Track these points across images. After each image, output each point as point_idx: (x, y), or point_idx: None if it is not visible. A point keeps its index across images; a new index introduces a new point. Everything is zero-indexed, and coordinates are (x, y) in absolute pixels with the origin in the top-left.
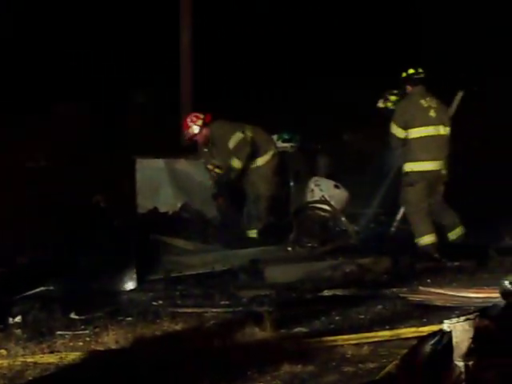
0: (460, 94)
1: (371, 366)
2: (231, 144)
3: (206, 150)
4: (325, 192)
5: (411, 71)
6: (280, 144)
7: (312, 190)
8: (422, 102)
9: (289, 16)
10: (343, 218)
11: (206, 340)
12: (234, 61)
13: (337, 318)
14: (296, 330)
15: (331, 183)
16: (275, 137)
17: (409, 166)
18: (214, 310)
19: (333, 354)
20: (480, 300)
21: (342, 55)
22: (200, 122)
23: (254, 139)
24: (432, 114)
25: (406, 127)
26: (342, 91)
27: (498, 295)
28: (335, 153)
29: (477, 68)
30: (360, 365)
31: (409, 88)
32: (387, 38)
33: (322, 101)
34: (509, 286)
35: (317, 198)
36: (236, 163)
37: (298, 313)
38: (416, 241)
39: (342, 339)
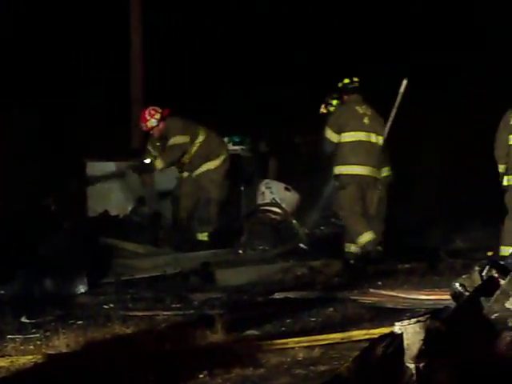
0: (405, 83)
1: (322, 368)
2: (170, 142)
3: (158, 143)
4: (275, 195)
5: (346, 81)
6: (231, 147)
7: (263, 193)
8: (358, 108)
9: (240, 15)
10: (294, 221)
11: (157, 343)
12: (186, 62)
13: (288, 320)
14: (247, 332)
15: (282, 186)
16: (226, 139)
17: (338, 169)
18: (166, 313)
19: (284, 356)
20: (431, 302)
21: (295, 59)
22: (158, 116)
23: (207, 142)
24: (366, 121)
25: (339, 131)
26: (292, 94)
27: (448, 297)
28: (286, 156)
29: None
30: (311, 367)
31: (345, 97)
32: (337, 41)
33: (272, 103)
34: (459, 288)
35: (268, 201)
36: (158, 163)
37: (250, 316)
38: (357, 241)
39: (293, 342)
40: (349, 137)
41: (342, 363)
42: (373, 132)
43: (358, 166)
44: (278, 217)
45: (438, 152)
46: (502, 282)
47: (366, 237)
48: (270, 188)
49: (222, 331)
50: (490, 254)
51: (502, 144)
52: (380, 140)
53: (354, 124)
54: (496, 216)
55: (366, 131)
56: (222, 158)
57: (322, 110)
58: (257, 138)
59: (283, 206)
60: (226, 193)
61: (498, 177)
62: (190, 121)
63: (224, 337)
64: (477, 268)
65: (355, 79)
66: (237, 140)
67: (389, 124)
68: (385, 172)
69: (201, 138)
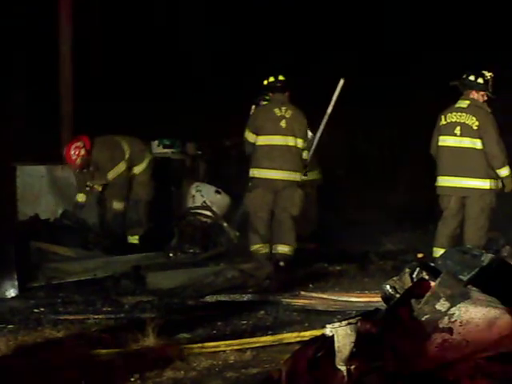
0: (341, 83)
1: (254, 371)
2: (110, 176)
3: (85, 170)
4: (206, 198)
5: (271, 79)
6: (161, 150)
7: (193, 196)
8: (276, 110)
9: (164, 18)
10: (225, 224)
11: (89, 347)
12: (115, 66)
13: (219, 323)
14: (178, 336)
15: (212, 189)
16: (156, 142)
17: (252, 172)
18: (96, 316)
19: (215, 359)
20: (362, 304)
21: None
22: (83, 151)
23: (132, 153)
24: (283, 124)
25: (256, 133)
26: (225, 95)
27: (379, 299)
28: (216, 158)
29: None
30: (243, 370)
31: (271, 95)
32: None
33: (203, 106)
34: (390, 290)
35: (198, 204)
36: (116, 205)
37: (181, 319)
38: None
39: (224, 345)
40: (264, 140)
41: (274, 366)
42: (290, 135)
43: (270, 170)
44: (208, 220)
45: (368, 153)
46: (433, 283)
47: (259, 250)
48: (200, 191)
49: (153, 334)
50: (420, 255)
51: (433, 145)
52: (299, 143)
53: (269, 127)
54: (426, 217)
55: (282, 134)
56: (146, 161)
57: (253, 111)
58: (187, 140)
59: (214, 208)
60: (154, 193)
61: (430, 177)
62: (111, 141)
63: (155, 340)
64: (407, 270)
65: (280, 77)
66: (167, 143)
67: (323, 124)
68: (314, 175)
69: (127, 154)
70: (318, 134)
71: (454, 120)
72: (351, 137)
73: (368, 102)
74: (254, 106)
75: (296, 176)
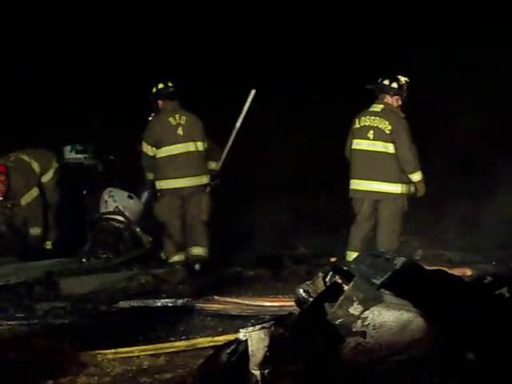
0: (252, 93)
1: (168, 376)
2: (23, 201)
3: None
4: (119, 203)
5: (161, 86)
6: (73, 155)
7: (106, 201)
8: (171, 119)
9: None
10: (138, 229)
11: (2, 353)
12: (24, 70)
13: (133, 329)
14: (92, 341)
15: (125, 194)
16: (68, 148)
17: (159, 184)
18: (9, 322)
19: (129, 365)
20: (275, 308)
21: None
22: (3, 178)
23: (40, 168)
24: (180, 131)
25: (155, 146)
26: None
27: (292, 304)
28: (129, 164)
29: None
30: (156, 375)
31: (160, 103)
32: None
33: (114, 112)
34: (303, 294)
35: (111, 209)
36: (33, 231)
37: (94, 324)
38: (166, 256)
39: (138, 350)
40: (165, 151)
41: (187, 371)
42: (190, 141)
43: (176, 180)
44: (121, 225)
45: (283, 156)
46: (346, 287)
47: (176, 258)
48: (113, 196)
49: (66, 340)
50: (333, 259)
51: (347, 148)
52: (199, 146)
53: (167, 138)
54: (338, 221)
55: (181, 142)
56: (52, 170)
57: (151, 118)
58: (100, 145)
59: (126, 213)
60: (64, 199)
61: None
62: (23, 165)
63: (69, 346)
64: (320, 274)
65: (170, 84)
66: (79, 148)
67: (234, 134)
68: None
69: (38, 175)
70: (229, 144)
71: (367, 124)
72: (263, 142)
73: (280, 106)
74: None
75: (202, 179)
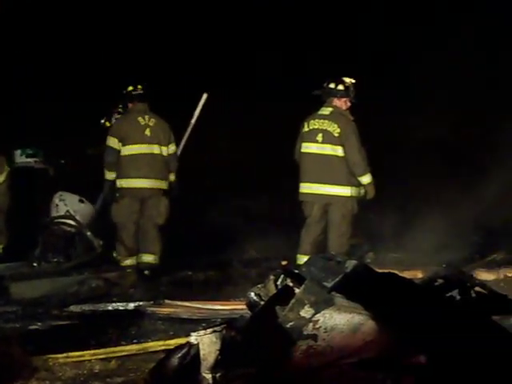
0: (204, 97)
1: (119, 380)
2: None
3: None
4: (70, 207)
5: (130, 88)
6: (24, 159)
7: (57, 205)
8: (140, 119)
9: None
10: (89, 233)
11: None
12: None
13: (84, 333)
14: (43, 345)
15: (76, 198)
16: (19, 152)
17: (119, 182)
18: None
19: (80, 369)
20: (226, 312)
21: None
22: None
23: None
24: (147, 132)
25: (121, 142)
26: (86, 105)
27: (244, 307)
28: (79, 167)
29: None
30: (108, 379)
31: (130, 105)
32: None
33: (66, 116)
34: (254, 297)
35: (62, 213)
36: None
37: (45, 329)
38: (118, 260)
39: (89, 354)
40: (130, 150)
41: (139, 375)
42: (155, 143)
43: (137, 180)
44: (72, 229)
45: (232, 161)
46: (297, 290)
47: (127, 262)
48: (63, 200)
49: (17, 345)
50: (284, 263)
51: (297, 151)
52: (164, 151)
53: (135, 136)
54: (289, 224)
55: (147, 143)
56: (4, 174)
57: (105, 122)
58: (50, 149)
59: (77, 217)
60: (16, 203)
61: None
62: None
63: (20, 350)
64: (271, 277)
65: (139, 86)
66: (30, 152)
67: (186, 137)
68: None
69: None
70: (181, 147)
71: (316, 127)
72: (216, 146)
73: (233, 111)
74: (104, 118)
75: (162, 184)
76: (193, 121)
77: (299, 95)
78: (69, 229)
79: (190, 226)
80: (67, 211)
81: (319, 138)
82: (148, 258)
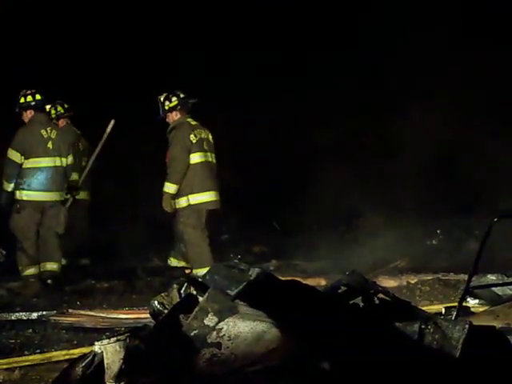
0: (112, 123)
1: None
2: None
3: None
4: None
5: (29, 98)
6: None
7: None
8: (43, 132)
9: None
10: None
11: None
12: None
13: None
14: None
15: None
16: None
17: (20, 195)
18: None
19: None
20: (130, 321)
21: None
22: None
23: None
24: (50, 145)
25: (23, 155)
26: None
27: (147, 316)
28: None
29: None
30: None
31: (29, 114)
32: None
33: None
34: (158, 306)
35: None
36: None
37: None
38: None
39: None
40: (32, 163)
41: None
42: (57, 156)
43: (39, 193)
44: None
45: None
46: (201, 299)
47: (29, 271)
48: None
49: None
50: (187, 271)
51: (185, 162)
52: (64, 162)
53: (37, 150)
54: None
55: (50, 156)
56: None
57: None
58: None
59: None
60: None
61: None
62: None
63: None
64: (175, 286)
65: (40, 97)
66: None
67: (96, 153)
68: (85, 195)
69: None
70: (92, 160)
71: (202, 136)
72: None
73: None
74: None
75: (62, 195)
76: (100, 145)
77: None
78: None
79: (94, 234)
80: None
81: (206, 146)
82: (52, 266)
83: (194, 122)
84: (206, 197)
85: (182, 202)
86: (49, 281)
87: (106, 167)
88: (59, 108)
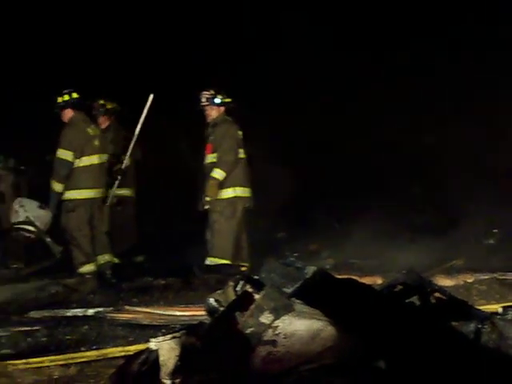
0: (151, 98)
1: None
2: None
3: None
4: (29, 213)
5: (66, 97)
6: None
7: (16, 211)
8: (89, 130)
9: None
10: (48, 239)
11: None
12: None
13: (44, 339)
14: (2, 352)
15: (35, 204)
16: None
17: (72, 194)
18: None
19: (40, 375)
20: (186, 318)
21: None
22: None
23: None
24: (96, 142)
25: (74, 154)
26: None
27: (203, 313)
28: (40, 174)
29: None
30: None
31: (70, 113)
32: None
33: (25, 119)
34: (214, 303)
35: (21, 219)
36: None
37: (5, 335)
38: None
39: (49, 360)
40: (84, 161)
41: (99, 381)
42: (103, 153)
43: (90, 190)
44: (32, 235)
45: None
46: (257, 296)
47: (86, 268)
48: (23, 206)
49: None
50: (243, 269)
51: (233, 156)
52: (106, 158)
53: (87, 148)
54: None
55: (98, 153)
56: None
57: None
58: (9, 155)
59: (37, 224)
60: None
61: None
62: None
63: None
64: (231, 283)
65: (77, 95)
66: None
67: (134, 140)
68: (130, 191)
69: None
70: (135, 136)
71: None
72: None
73: None
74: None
75: (104, 192)
76: (141, 121)
77: None
78: (28, 235)
79: (150, 232)
80: (27, 217)
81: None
82: (109, 258)
83: (233, 121)
84: (246, 192)
85: (227, 193)
86: (107, 272)
87: (158, 164)
88: (108, 105)
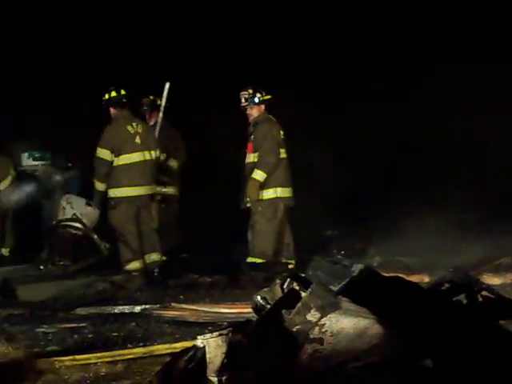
0: (167, 86)
1: (125, 383)
2: None
3: None
4: (76, 210)
5: (114, 94)
6: (31, 162)
7: (64, 208)
8: (129, 127)
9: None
10: (95, 236)
11: None
12: None
13: (90, 335)
14: (49, 348)
15: (83, 201)
16: (26, 155)
17: (113, 192)
18: None
19: (87, 372)
20: (233, 315)
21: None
22: None
23: None
24: (138, 140)
25: (113, 153)
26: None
27: (250, 310)
28: (87, 170)
29: None
30: (114, 382)
31: (112, 111)
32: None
33: (74, 116)
34: (261, 301)
35: (68, 216)
36: None
37: (52, 331)
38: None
39: (95, 357)
40: (123, 160)
41: (145, 378)
42: (146, 150)
43: (131, 188)
44: (78, 232)
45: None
46: (303, 294)
47: (133, 265)
48: (70, 203)
49: (23, 347)
50: (290, 266)
51: (275, 156)
52: (153, 155)
53: (126, 146)
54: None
55: (139, 151)
56: (9, 178)
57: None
58: (57, 152)
59: (84, 221)
60: (23, 206)
61: None
62: None
63: (26, 353)
64: (278, 281)
65: (123, 92)
66: (37, 155)
67: (158, 129)
68: (175, 189)
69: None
70: (158, 125)
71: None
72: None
73: None
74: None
75: (153, 189)
76: (162, 109)
77: None
78: (75, 232)
79: (195, 230)
80: (74, 214)
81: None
82: (157, 257)
83: (274, 119)
84: (287, 192)
85: (268, 194)
86: (155, 271)
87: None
88: (158, 101)
